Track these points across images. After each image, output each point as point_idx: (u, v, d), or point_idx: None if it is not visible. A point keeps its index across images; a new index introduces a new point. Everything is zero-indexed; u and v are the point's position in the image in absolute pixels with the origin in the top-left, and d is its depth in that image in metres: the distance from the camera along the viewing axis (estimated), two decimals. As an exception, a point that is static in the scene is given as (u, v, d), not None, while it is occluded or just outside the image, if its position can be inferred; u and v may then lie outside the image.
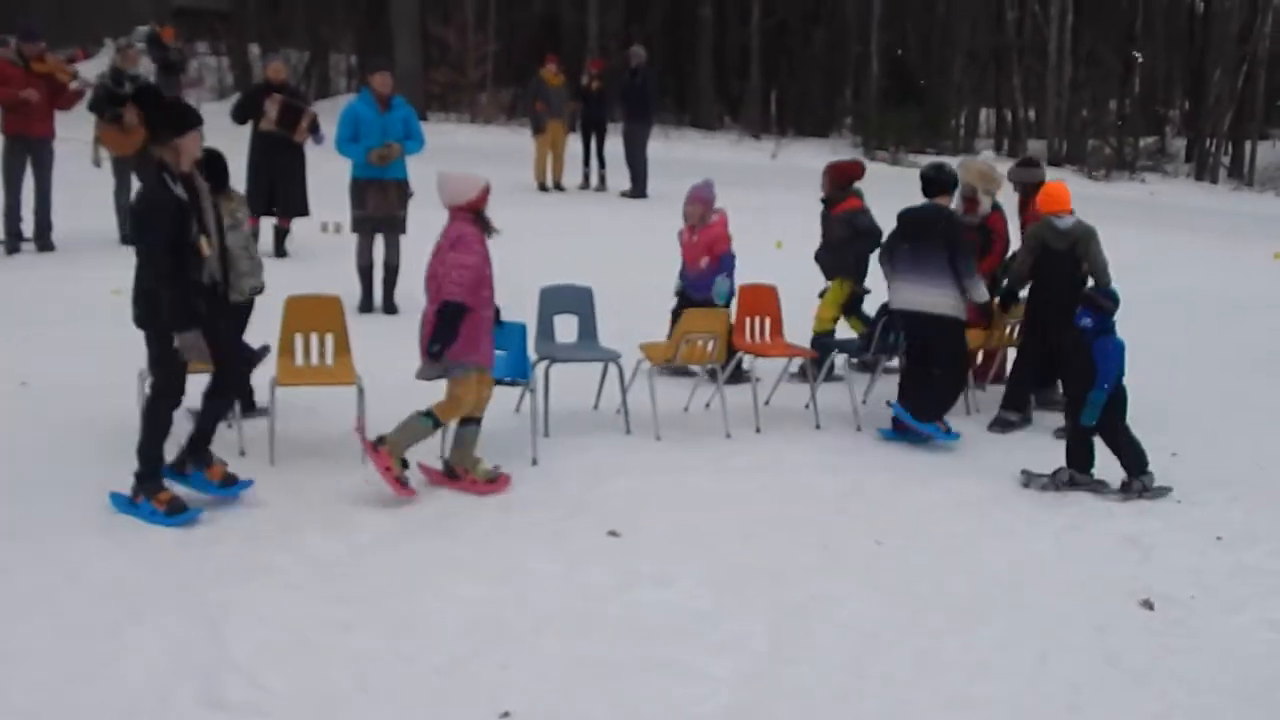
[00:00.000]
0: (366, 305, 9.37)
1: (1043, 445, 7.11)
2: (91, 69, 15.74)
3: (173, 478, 5.49)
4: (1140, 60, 29.12)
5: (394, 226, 9.36)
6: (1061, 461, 6.56)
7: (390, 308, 9.44)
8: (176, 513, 5.26)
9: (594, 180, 16.68)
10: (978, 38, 28.55)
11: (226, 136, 8.13)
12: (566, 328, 7.31)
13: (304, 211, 11.05)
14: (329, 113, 12.10)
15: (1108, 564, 5.61)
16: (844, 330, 8.29)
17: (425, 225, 9.49)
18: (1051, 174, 9.71)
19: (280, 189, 10.83)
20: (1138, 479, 6.43)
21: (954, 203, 7.52)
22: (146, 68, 14.03)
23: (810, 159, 20.45)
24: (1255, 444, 7.59)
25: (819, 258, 8.29)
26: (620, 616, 4.76)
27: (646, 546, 5.44)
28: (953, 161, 9.19)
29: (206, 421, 5.60)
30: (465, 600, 4.79)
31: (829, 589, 5.14)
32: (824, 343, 8.01)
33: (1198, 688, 4.51)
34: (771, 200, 15.63)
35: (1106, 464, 6.53)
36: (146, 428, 5.38)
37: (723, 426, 7.11)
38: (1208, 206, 22.54)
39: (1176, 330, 10.78)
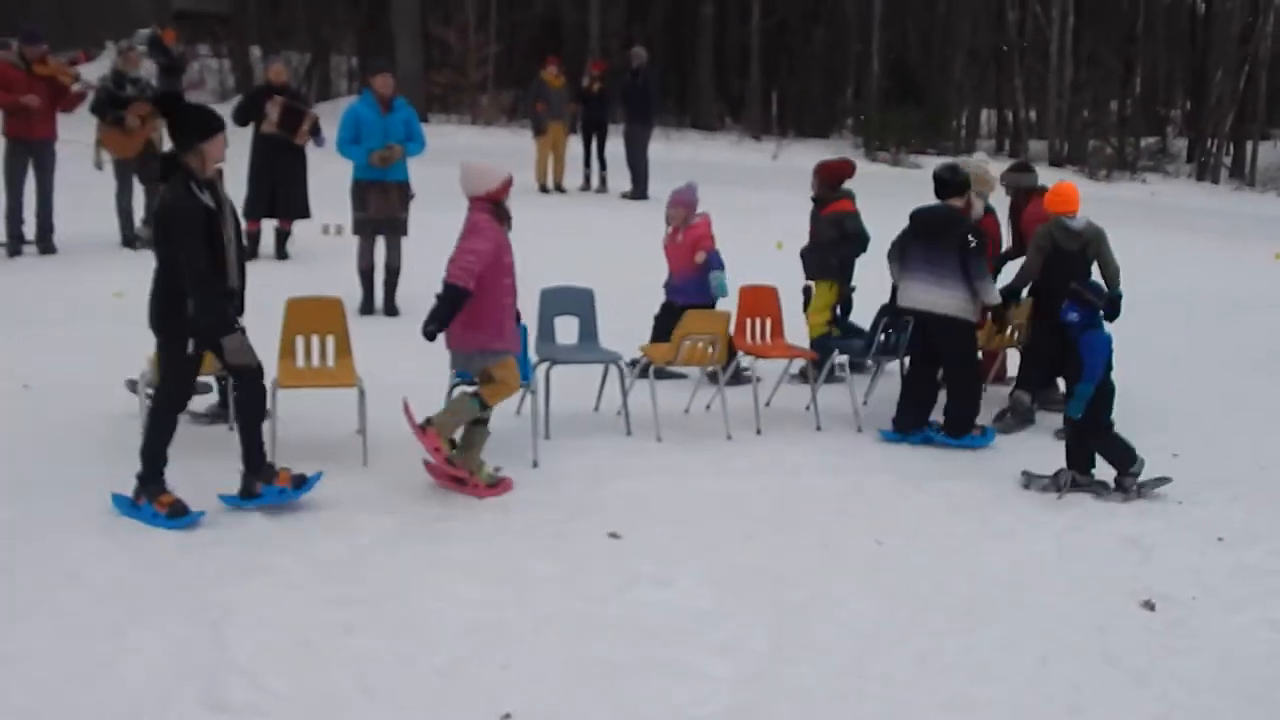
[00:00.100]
0: (367, 307, 9.37)
1: (1043, 446, 7.11)
2: (93, 71, 15.75)
3: (250, 503, 5.46)
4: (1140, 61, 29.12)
5: (395, 228, 9.37)
6: (1062, 463, 6.56)
7: (391, 310, 9.44)
8: (178, 515, 5.26)
9: (595, 182, 16.69)
10: (978, 37, 28.56)
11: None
12: (567, 329, 7.32)
13: (305, 213, 11.06)
14: (330, 114, 12.11)
15: (1108, 565, 5.61)
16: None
17: (426, 227, 9.54)
18: (1053, 174, 9.72)
19: (281, 191, 10.85)
20: (1127, 474, 6.42)
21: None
22: (148, 70, 14.02)
23: (811, 160, 20.31)
24: (1256, 444, 7.59)
25: (804, 256, 8.30)
26: (621, 617, 4.77)
27: (647, 547, 5.44)
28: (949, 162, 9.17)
29: (249, 436, 5.53)
30: (466, 601, 4.79)
31: (830, 590, 5.14)
32: (824, 344, 8.02)
33: (1198, 688, 4.51)
34: (772, 201, 15.64)
35: (1107, 465, 6.53)
36: (150, 430, 5.38)
37: (723, 428, 7.12)
38: (1209, 207, 22.54)
39: (1177, 330, 10.79)
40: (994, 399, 7.84)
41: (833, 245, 8.07)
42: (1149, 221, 17.71)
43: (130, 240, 10.98)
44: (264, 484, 5.50)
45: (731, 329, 7.39)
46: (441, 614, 4.68)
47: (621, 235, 12.94)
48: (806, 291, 8.19)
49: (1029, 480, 6.55)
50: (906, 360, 7.72)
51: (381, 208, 9.28)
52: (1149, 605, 5.17)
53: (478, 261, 5.73)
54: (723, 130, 26.25)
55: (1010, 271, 8.09)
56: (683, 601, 4.94)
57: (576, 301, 7.35)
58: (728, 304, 7.65)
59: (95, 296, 8.95)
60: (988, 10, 28.96)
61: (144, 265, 6.77)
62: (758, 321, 7.80)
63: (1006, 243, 8.70)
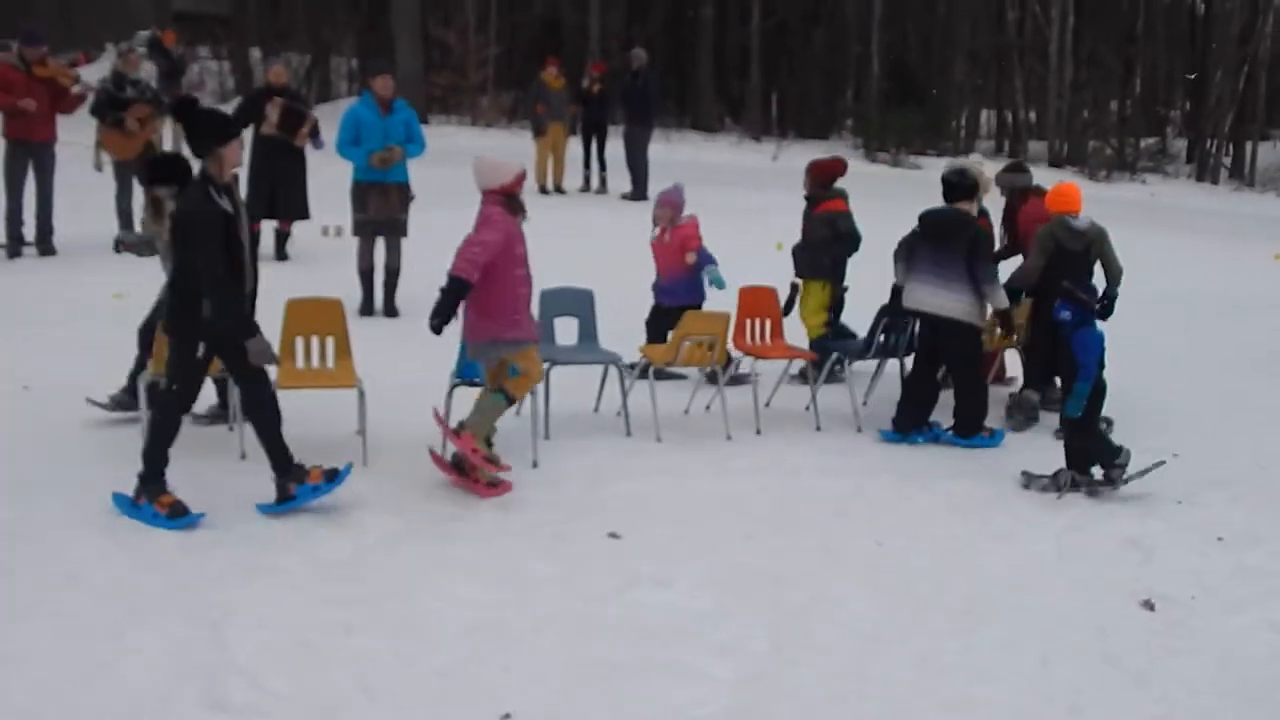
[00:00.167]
0: (367, 308, 9.37)
1: (1043, 446, 7.11)
2: (93, 73, 15.77)
3: (287, 506, 5.44)
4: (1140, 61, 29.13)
5: (395, 230, 9.37)
6: (1062, 463, 6.56)
7: (391, 311, 9.44)
8: (178, 516, 5.26)
9: (595, 183, 16.69)
10: (979, 38, 28.56)
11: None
12: (567, 330, 7.32)
13: (305, 215, 11.07)
14: (330, 116, 12.11)
15: (1108, 565, 5.61)
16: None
17: (426, 228, 9.55)
18: (1053, 175, 9.72)
19: (281, 192, 10.84)
20: (1114, 466, 6.42)
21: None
22: (148, 72, 14.05)
23: (811, 161, 20.42)
24: (1256, 444, 7.59)
25: (796, 254, 8.30)
26: (621, 618, 4.77)
27: (647, 548, 5.44)
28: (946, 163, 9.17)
29: (270, 440, 5.52)
30: (466, 602, 4.79)
31: (829, 590, 5.14)
32: (823, 345, 8.02)
33: (1198, 689, 4.51)
34: (771, 202, 15.63)
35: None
36: (154, 431, 5.39)
37: (723, 428, 7.12)
38: (1209, 207, 22.54)
39: (1177, 330, 10.79)
40: (993, 399, 7.82)
41: (825, 244, 8.07)
42: (1149, 222, 17.71)
43: (115, 245, 10.94)
44: (297, 484, 5.50)
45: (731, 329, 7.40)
46: (441, 614, 4.69)
47: (621, 236, 12.90)
48: (793, 288, 8.19)
49: (1029, 480, 6.55)
50: (907, 360, 7.72)
51: (381, 209, 9.28)
52: (1149, 606, 5.17)
53: (483, 253, 5.76)
54: (723, 131, 26.26)
55: (1005, 271, 8.07)
56: (682, 602, 4.94)
57: (576, 302, 7.35)
58: (727, 304, 7.65)
59: (95, 298, 8.95)
60: (988, 11, 28.96)
61: (144, 267, 6.80)
62: (757, 322, 7.80)
63: (999, 243, 8.69)
